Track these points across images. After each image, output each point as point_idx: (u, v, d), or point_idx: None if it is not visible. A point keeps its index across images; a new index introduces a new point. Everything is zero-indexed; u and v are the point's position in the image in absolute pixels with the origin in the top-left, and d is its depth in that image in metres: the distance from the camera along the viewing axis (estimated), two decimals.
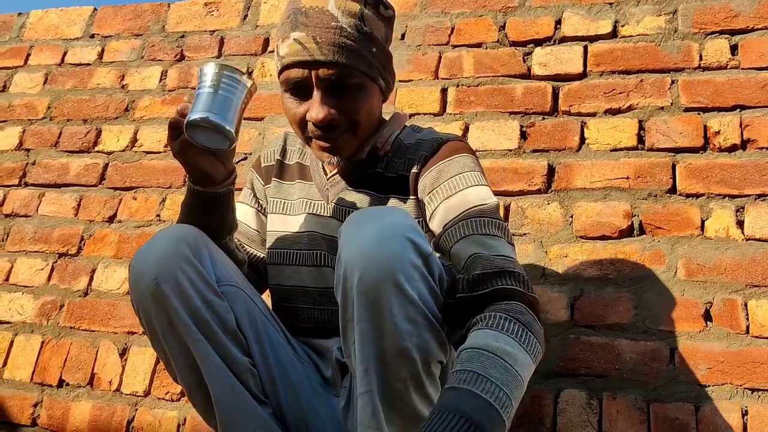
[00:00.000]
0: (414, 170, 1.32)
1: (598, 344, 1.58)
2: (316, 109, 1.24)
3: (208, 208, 1.30)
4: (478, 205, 1.22)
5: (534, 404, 1.56)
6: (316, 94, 1.24)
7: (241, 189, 1.56)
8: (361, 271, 1.04)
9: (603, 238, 1.67)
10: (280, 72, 1.28)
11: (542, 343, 1.08)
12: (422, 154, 1.32)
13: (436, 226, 1.26)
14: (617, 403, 1.52)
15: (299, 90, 1.26)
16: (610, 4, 1.90)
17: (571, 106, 1.83)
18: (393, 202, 1.33)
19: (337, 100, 1.26)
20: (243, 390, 1.23)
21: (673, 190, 1.67)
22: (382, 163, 1.37)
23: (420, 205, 1.31)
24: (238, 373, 1.23)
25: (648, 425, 1.49)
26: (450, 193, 1.26)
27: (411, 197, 1.32)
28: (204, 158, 1.22)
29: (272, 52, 2.21)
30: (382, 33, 1.31)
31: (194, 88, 1.23)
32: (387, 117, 1.44)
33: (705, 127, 1.71)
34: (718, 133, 1.69)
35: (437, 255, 1.14)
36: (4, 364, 2.02)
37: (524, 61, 1.92)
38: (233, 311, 1.24)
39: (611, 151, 1.75)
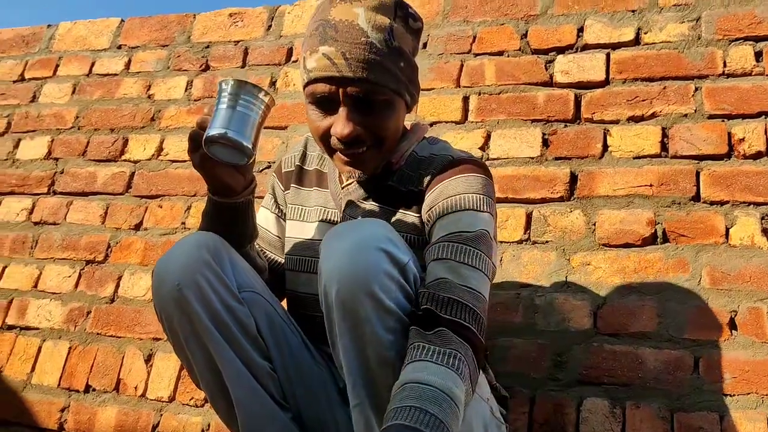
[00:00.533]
0: (422, 187, 1.31)
1: (621, 352, 1.57)
2: (341, 125, 1.23)
3: (228, 217, 1.32)
4: (465, 231, 1.20)
5: (556, 412, 1.56)
6: (342, 110, 1.23)
7: (262, 197, 1.58)
8: (338, 285, 1.05)
9: (626, 245, 1.67)
10: (307, 84, 1.27)
11: (470, 381, 1.06)
12: (432, 171, 1.31)
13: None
14: (641, 411, 1.51)
15: (325, 104, 1.26)
16: (633, 11, 1.90)
17: (594, 113, 1.82)
18: (400, 215, 1.33)
19: (364, 116, 1.25)
20: (264, 394, 1.25)
21: (697, 197, 1.66)
22: (395, 176, 1.36)
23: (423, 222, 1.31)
24: (258, 378, 1.24)
25: None
26: (444, 212, 1.24)
27: (416, 213, 1.32)
28: (223, 170, 1.24)
29: (296, 62, 2.24)
30: (410, 46, 1.31)
31: None
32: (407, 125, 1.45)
33: (729, 134, 1.69)
34: (742, 140, 1.68)
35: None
36: (33, 369, 2.05)
37: (546, 69, 1.92)
38: (253, 316, 1.26)
39: (634, 158, 1.74)
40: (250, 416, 1.24)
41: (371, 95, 1.24)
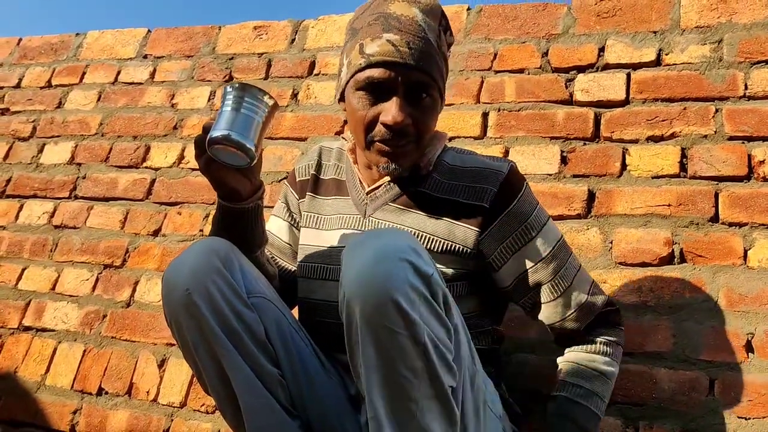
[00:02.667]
0: (476, 202, 1.33)
1: (635, 372, 1.56)
2: (395, 112, 1.26)
3: (237, 222, 1.32)
4: (549, 255, 1.35)
5: None
6: (397, 99, 1.27)
7: (272, 206, 1.59)
8: (361, 296, 1.03)
9: (643, 264, 1.66)
10: (361, 69, 1.28)
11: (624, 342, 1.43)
12: (487, 188, 1.33)
13: (512, 269, 1.36)
14: None
15: (377, 91, 1.28)
16: (655, 32, 1.90)
17: (613, 132, 1.82)
18: (443, 224, 1.33)
19: (414, 109, 1.28)
20: (273, 401, 1.23)
21: (715, 218, 1.65)
22: (427, 182, 1.37)
23: (480, 238, 1.32)
24: (267, 385, 1.23)
25: None
26: (524, 242, 1.34)
27: (465, 225, 1.32)
28: (229, 174, 1.25)
29: (318, 75, 2.26)
30: (447, 55, 1.38)
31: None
32: None
33: (749, 156, 1.69)
34: (762, 162, 1.67)
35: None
36: (47, 370, 2.07)
37: (566, 87, 1.92)
38: (263, 323, 1.25)
39: (653, 177, 1.74)
40: (259, 423, 1.23)
41: (425, 88, 1.29)
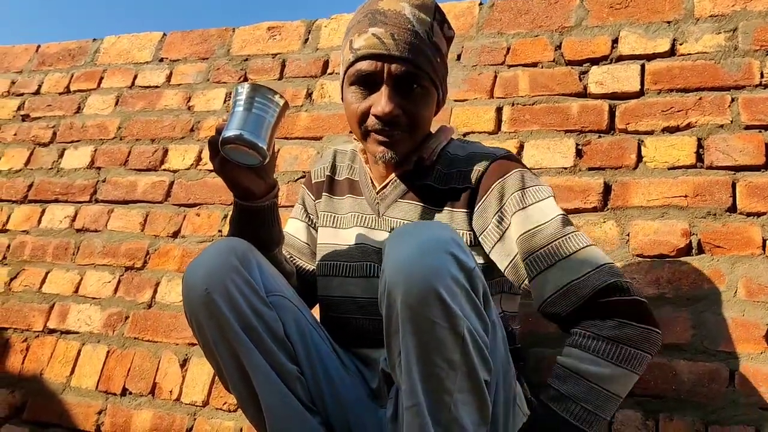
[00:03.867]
0: (469, 185, 1.34)
1: (654, 364, 1.55)
2: (383, 103, 1.29)
3: (253, 221, 1.35)
4: (545, 223, 1.24)
5: None
6: (385, 89, 1.30)
7: (288, 206, 1.61)
8: (405, 285, 1.04)
9: (660, 256, 1.65)
10: (351, 65, 1.33)
11: (639, 341, 1.16)
12: (476, 169, 1.34)
13: (505, 248, 1.28)
14: (674, 424, 1.49)
15: (366, 83, 1.32)
16: (668, 22, 1.89)
17: (628, 124, 1.82)
18: (444, 213, 1.35)
19: (403, 99, 1.31)
20: (292, 398, 1.25)
21: (733, 208, 1.64)
22: (432, 175, 1.39)
23: (472, 219, 1.33)
24: (287, 381, 1.25)
25: None
26: (518, 215, 1.27)
27: (462, 210, 1.34)
28: (243, 174, 1.27)
29: (331, 74, 2.27)
30: (444, 49, 1.39)
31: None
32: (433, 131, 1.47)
33: (766, 144, 1.67)
34: None
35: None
36: (72, 372, 2.10)
37: (580, 80, 1.92)
38: (281, 320, 1.27)
39: (669, 169, 1.73)
40: (279, 420, 1.25)
41: (413, 78, 1.30)
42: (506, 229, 1.28)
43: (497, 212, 1.29)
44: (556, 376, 1.18)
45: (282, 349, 1.26)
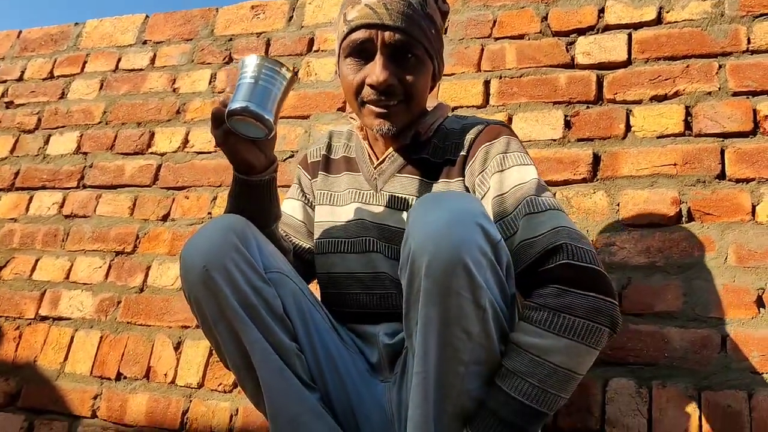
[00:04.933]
0: (462, 153, 1.34)
1: (646, 332, 1.56)
2: (378, 71, 1.29)
3: (252, 195, 1.34)
4: (519, 184, 1.23)
5: (582, 394, 1.55)
6: (379, 58, 1.30)
7: (286, 186, 1.60)
8: (431, 254, 1.04)
9: (650, 225, 1.65)
10: (345, 36, 1.33)
11: (585, 311, 1.08)
12: (468, 137, 1.35)
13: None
14: (667, 391, 1.50)
15: (361, 54, 1.32)
16: None
17: (616, 94, 1.81)
18: (440, 185, 1.35)
19: (398, 68, 1.31)
20: (291, 375, 1.25)
21: (722, 175, 1.64)
22: (428, 149, 1.39)
23: (467, 189, 1.32)
24: (285, 358, 1.25)
25: (699, 413, 1.46)
26: (493, 172, 1.27)
27: (457, 179, 1.33)
28: (245, 147, 1.26)
29: (317, 51, 2.25)
30: (438, 22, 1.38)
31: None
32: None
33: (754, 110, 1.67)
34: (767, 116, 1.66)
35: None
36: (66, 358, 2.10)
37: (567, 51, 1.91)
38: (280, 297, 1.27)
39: (658, 137, 1.73)
40: (277, 397, 1.25)
41: (407, 47, 1.30)
42: (486, 192, 1.27)
43: (479, 174, 1.30)
44: (504, 353, 1.12)
45: (281, 326, 1.26)
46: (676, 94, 1.76)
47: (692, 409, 1.47)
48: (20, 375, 2.12)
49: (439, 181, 1.36)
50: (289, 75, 1.23)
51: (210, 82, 2.36)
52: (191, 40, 2.47)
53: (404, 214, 1.36)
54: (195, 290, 1.21)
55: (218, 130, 1.25)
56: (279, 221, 1.43)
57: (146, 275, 2.12)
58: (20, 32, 2.82)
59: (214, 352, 1.89)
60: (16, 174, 2.50)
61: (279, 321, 1.26)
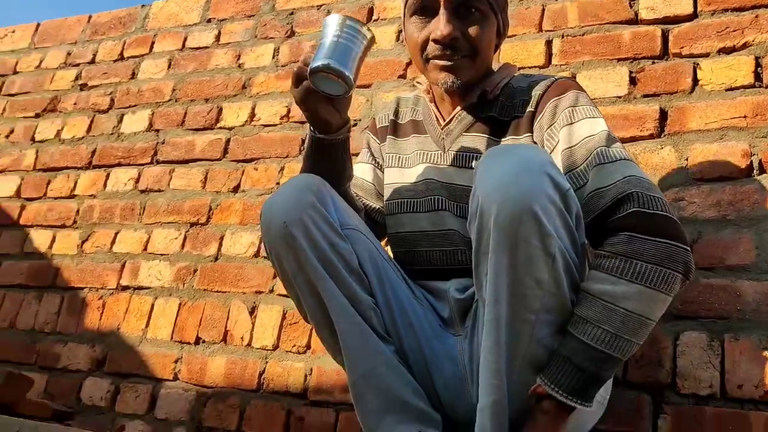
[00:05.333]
0: (530, 109, 1.35)
1: (718, 286, 1.55)
2: (441, 26, 1.32)
3: (328, 155, 1.38)
4: (589, 136, 1.24)
5: (652, 347, 1.55)
6: (442, 13, 1.32)
7: (353, 154, 1.64)
8: (499, 204, 1.06)
9: (720, 179, 1.63)
10: None
11: (657, 257, 1.10)
12: (536, 93, 1.36)
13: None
14: (740, 344, 1.50)
15: (425, 11, 1.35)
16: None
17: (682, 48, 1.78)
18: (508, 142, 1.36)
19: (462, 22, 1.34)
20: (366, 327, 1.30)
21: None
22: (495, 107, 1.41)
23: (536, 144, 1.34)
24: (361, 312, 1.29)
25: None
26: (565, 129, 1.28)
27: (525, 135, 1.35)
28: (322, 106, 1.30)
29: (377, 20, 2.28)
30: None
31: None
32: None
33: None
34: None
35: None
36: (147, 325, 2.20)
37: (631, 7, 1.89)
38: (356, 253, 1.32)
39: (726, 90, 1.70)
40: (354, 349, 1.30)
41: (470, 1, 1.33)
42: (555, 145, 1.29)
43: (548, 128, 1.31)
44: (576, 302, 1.14)
45: (357, 281, 1.30)
46: (745, 46, 1.72)
47: (766, 361, 1.46)
48: (105, 342, 2.24)
49: (507, 137, 1.37)
50: (369, 35, 1.26)
51: (273, 57, 2.41)
52: (253, 16, 2.52)
53: (472, 173, 1.39)
54: (275, 246, 1.27)
55: (299, 88, 1.29)
56: (350, 182, 1.47)
57: (220, 244, 2.21)
58: (90, 17, 2.93)
59: (287, 315, 1.97)
60: (93, 153, 2.62)
61: (355, 276, 1.30)
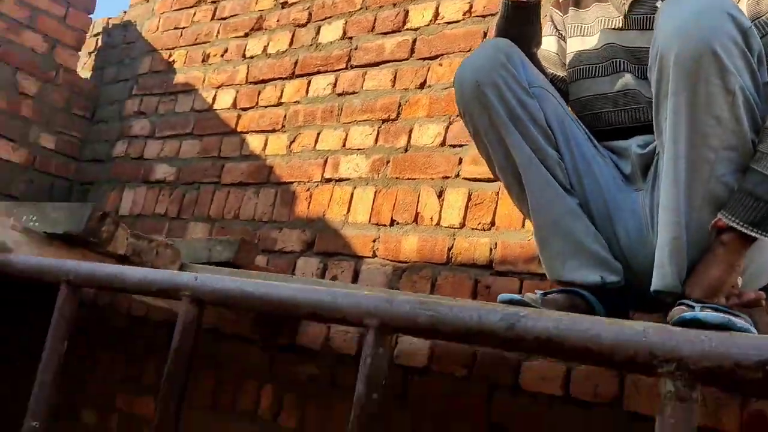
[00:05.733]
0: None
1: None
2: None
3: (520, 19, 1.50)
4: None
5: None
6: None
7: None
8: (679, 45, 1.10)
9: None
10: None
11: None
12: None
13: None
14: None
15: None
16: None
17: None
18: None
19: None
20: (552, 179, 1.41)
21: None
22: None
23: None
24: (547, 165, 1.41)
25: None
26: None
27: None
28: None
29: None
30: None
31: None
32: None
33: None
34: None
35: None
36: (348, 211, 2.47)
37: None
38: (543, 111, 1.42)
39: None
40: (540, 200, 1.42)
41: None
42: None
43: None
44: (758, 140, 1.15)
45: (543, 136, 1.41)
46: None
47: None
48: (313, 227, 2.54)
49: None
50: None
51: None
52: None
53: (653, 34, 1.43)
54: (468, 104, 1.41)
55: None
56: (540, 47, 1.56)
57: (409, 137, 2.40)
58: None
59: (472, 196, 2.13)
60: (295, 63, 2.90)
61: (542, 131, 1.41)
